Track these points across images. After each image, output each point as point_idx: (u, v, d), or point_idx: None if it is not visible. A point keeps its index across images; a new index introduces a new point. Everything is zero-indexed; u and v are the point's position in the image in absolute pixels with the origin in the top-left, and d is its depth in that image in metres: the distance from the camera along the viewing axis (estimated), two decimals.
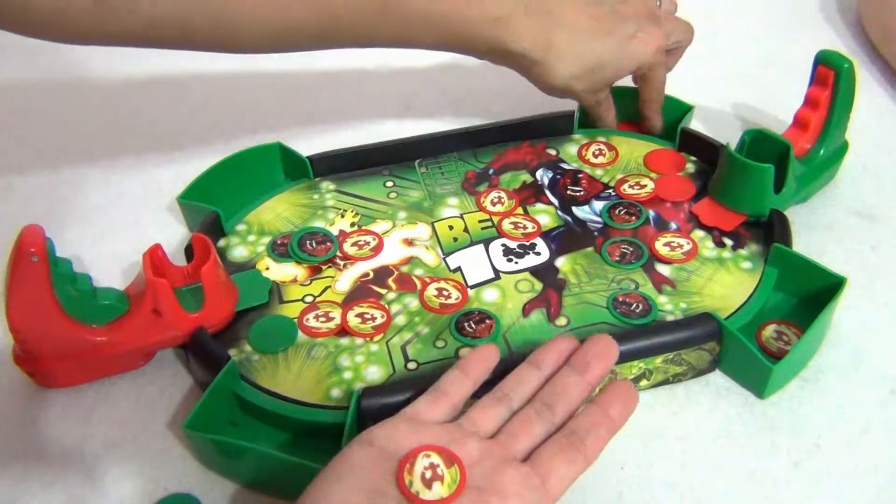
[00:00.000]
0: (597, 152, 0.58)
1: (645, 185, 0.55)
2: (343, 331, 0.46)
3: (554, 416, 0.37)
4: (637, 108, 0.59)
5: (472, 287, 0.48)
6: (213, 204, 0.52)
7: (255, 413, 0.42)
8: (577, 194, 0.55)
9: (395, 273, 0.50)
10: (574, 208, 0.54)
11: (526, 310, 0.47)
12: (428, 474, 0.33)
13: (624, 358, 0.42)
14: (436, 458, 0.34)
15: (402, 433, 0.35)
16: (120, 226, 0.57)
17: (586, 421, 0.37)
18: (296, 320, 0.46)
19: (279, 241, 0.51)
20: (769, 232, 0.50)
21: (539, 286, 0.48)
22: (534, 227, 0.52)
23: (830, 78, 0.52)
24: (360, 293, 0.48)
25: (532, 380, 0.39)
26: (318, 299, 0.48)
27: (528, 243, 0.51)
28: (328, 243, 0.51)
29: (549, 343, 0.41)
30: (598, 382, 0.39)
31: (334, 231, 0.52)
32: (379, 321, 0.46)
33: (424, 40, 0.52)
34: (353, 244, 0.51)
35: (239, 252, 0.51)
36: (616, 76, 0.56)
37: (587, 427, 0.36)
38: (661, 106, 0.59)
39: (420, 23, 0.51)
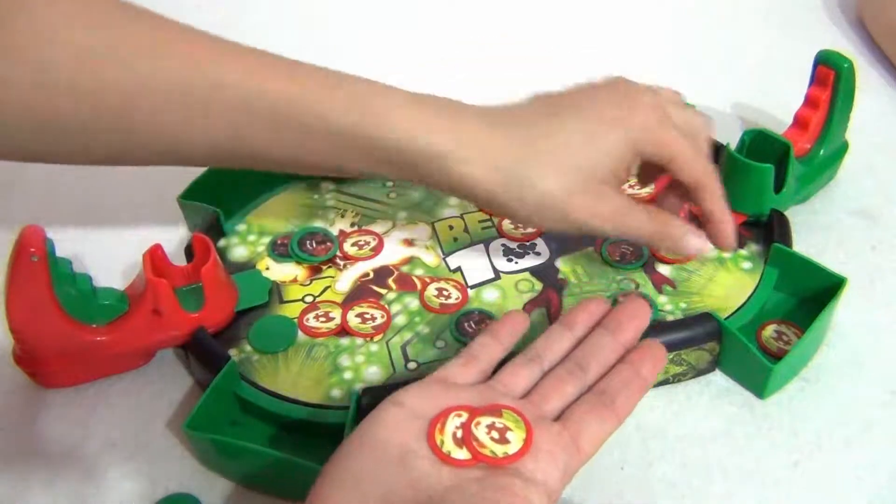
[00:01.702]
0: None
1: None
2: (343, 331, 0.46)
3: (586, 376, 0.37)
4: None
5: (473, 287, 0.48)
6: (213, 204, 0.52)
7: (255, 413, 0.42)
8: None
9: (395, 273, 0.50)
10: None
11: (526, 310, 0.47)
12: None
13: None
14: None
15: (434, 394, 0.35)
16: (120, 226, 0.57)
17: (617, 380, 0.36)
18: (296, 320, 0.46)
19: (279, 241, 0.51)
20: (769, 232, 0.50)
21: (539, 286, 0.48)
22: (534, 227, 0.52)
23: (830, 78, 0.52)
24: (360, 293, 0.48)
25: (564, 340, 0.39)
26: (318, 299, 0.48)
27: (528, 243, 0.51)
28: (328, 243, 0.51)
29: (581, 304, 0.40)
30: (631, 344, 0.38)
31: (334, 231, 0.52)
32: (379, 321, 0.46)
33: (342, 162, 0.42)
34: (354, 244, 0.51)
35: (239, 252, 0.51)
36: (601, 160, 0.41)
37: (618, 386, 0.36)
38: (722, 200, 0.43)
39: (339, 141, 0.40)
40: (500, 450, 0.33)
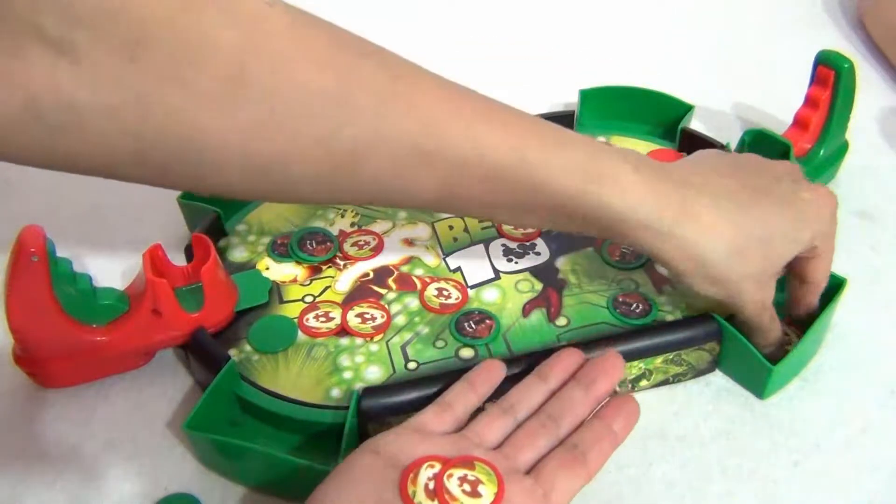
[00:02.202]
0: None
1: None
2: (343, 331, 0.46)
3: (559, 429, 0.37)
4: (643, 108, 0.59)
5: (472, 287, 0.48)
6: (213, 204, 0.52)
7: (255, 413, 0.42)
8: None
9: (395, 273, 0.50)
10: None
11: (526, 310, 0.47)
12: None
13: (624, 358, 0.42)
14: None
15: (408, 442, 0.35)
16: (120, 226, 0.57)
17: (590, 435, 0.37)
18: (296, 320, 0.46)
19: (279, 241, 0.51)
20: None
21: (539, 286, 0.48)
22: (534, 227, 0.52)
23: (830, 78, 0.52)
24: (360, 293, 0.48)
25: (538, 392, 0.39)
26: (318, 299, 0.48)
27: (528, 243, 0.51)
28: (328, 243, 0.51)
29: (556, 356, 0.41)
30: (603, 398, 0.39)
31: (334, 231, 0.52)
32: (379, 321, 0.46)
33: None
34: (353, 244, 0.51)
35: (239, 252, 0.51)
36: (787, 253, 0.41)
37: (590, 441, 0.37)
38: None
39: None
40: (470, 502, 0.33)
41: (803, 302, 0.44)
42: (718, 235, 0.39)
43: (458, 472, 0.34)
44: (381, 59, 0.36)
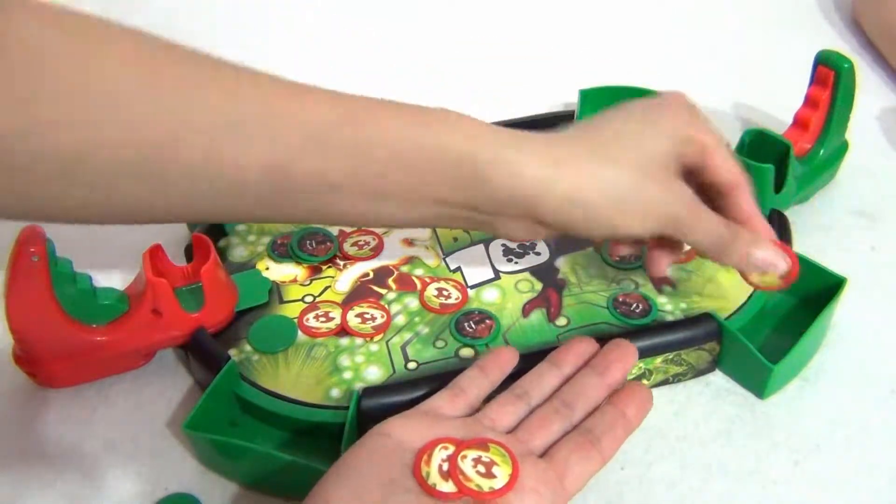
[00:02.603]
0: None
1: None
2: (343, 331, 0.46)
3: (572, 414, 0.37)
4: None
5: (472, 287, 0.48)
6: None
7: (255, 413, 0.42)
8: None
9: (395, 273, 0.50)
10: None
11: (526, 310, 0.47)
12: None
13: None
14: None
15: (420, 426, 0.35)
16: (120, 226, 0.56)
17: (603, 421, 0.37)
18: (296, 320, 0.46)
19: (279, 241, 0.51)
20: None
21: (539, 286, 0.48)
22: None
23: (830, 78, 0.52)
24: (360, 293, 0.48)
25: (552, 378, 0.39)
26: (318, 299, 0.48)
27: (528, 243, 0.51)
28: (328, 243, 0.51)
29: (569, 343, 0.41)
30: (617, 385, 0.39)
31: (334, 231, 0.52)
32: (379, 321, 0.46)
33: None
34: (353, 244, 0.51)
35: (239, 252, 0.51)
36: (658, 145, 0.38)
37: (604, 427, 0.37)
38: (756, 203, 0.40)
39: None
40: (486, 484, 0.33)
41: (743, 214, 0.40)
42: (566, 153, 0.37)
43: (473, 454, 0.34)
44: (185, 52, 0.35)
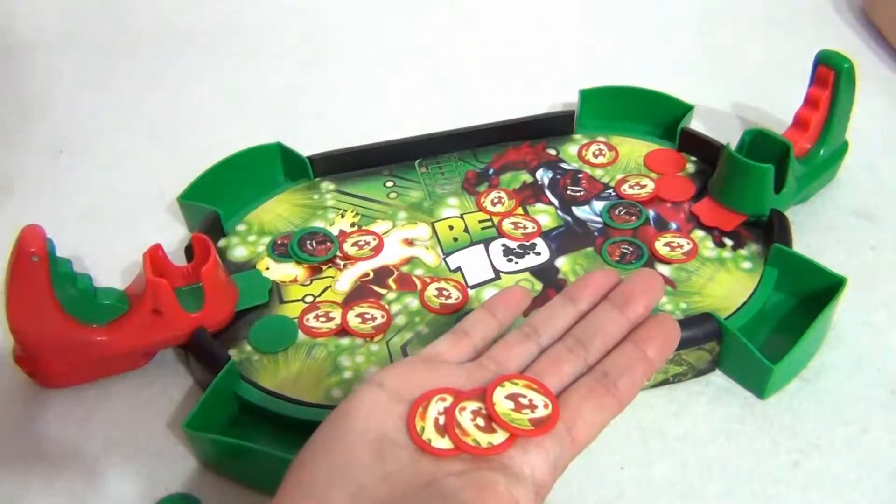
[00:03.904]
0: (597, 152, 0.58)
1: (645, 186, 0.55)
2: (343, 331, 0.46)
3: (587, 354, 0.33)
4: (643, 108, 0.59)
5: (473, 287, 0.48)
6: (213, 204, 0.52)
7: (255, 413, 0.42)
8: (578, 194, 0.55)
9: (396, 273, 0.50)
10: (574, 208, 0.54)
11: (526, 310, 0.47)
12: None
13: None
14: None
15: (417, 374, 0.32)
16: (120, 226, 0.57)
17: (620, 361, 0.33)
18: (296, 320, 0.46)
19: (279, 242, 0.51)
20: (769, 232, 0.50)
21: (539, 286, 0.48)
22: (534, 228, 0.52)
23: (830, 78, 0.52)
24: (360, 293, 0.48)
25: (566, 315, 0.35)
26: (318, 299, 0.48)
27: (528, 243, 0.51)
28: (328, 243, 0.51)
29: (587, 276, 0.37)
30: (639, 320, 0.35)
31: (334, 231, 0.52)
32: (379, 321, 0.46)
33: None
34: (354, 244, 0.51)
35: (239, 252, 0.51)
36: None
37: (621, 368, 0.33)
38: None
39: None
40: (484, 439, 0.30)
41: None
42: None
43: (472, 405, 0.31)
44: None
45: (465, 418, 0.30)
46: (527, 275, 0.49)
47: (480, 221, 0.53)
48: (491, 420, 0.30)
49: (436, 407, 0.31)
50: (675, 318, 0.35)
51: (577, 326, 0.35)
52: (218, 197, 0.53)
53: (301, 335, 0.46)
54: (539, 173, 0.56)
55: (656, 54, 0.72)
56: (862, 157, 0.57)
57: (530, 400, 0.31)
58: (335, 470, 0.29)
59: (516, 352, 0.34)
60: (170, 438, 0.43)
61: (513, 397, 0.31)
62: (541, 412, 0.31)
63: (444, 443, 0.30)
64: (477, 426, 0.30)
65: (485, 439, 0.30)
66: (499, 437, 0.30)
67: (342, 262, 0.50)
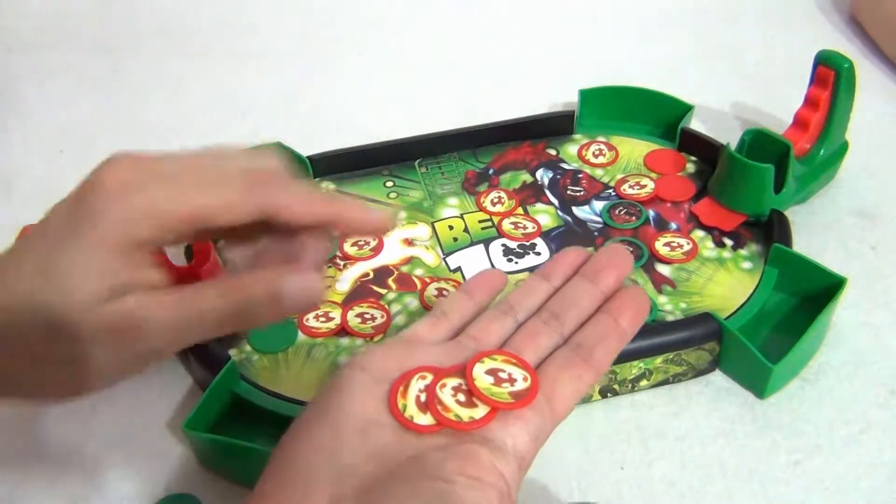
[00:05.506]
0: (597, 152, 0.58)
1: (645, 186, 0.55)
2: (343, 331, 0.46)
3: (562, 326, 0.34)
4: (643, 108, 0.59)
5: None
6: None
7: (255, 413, 0.42)
8: (578, 194, 0.55)
9: (395, 273, 0.50)
10: (574, 208, 0.54)
11: None
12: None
13: (624, 358, 0.42)
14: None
15: (397, 355, 0.33)
16: None
17: (595, 331, 0.34)
18: (296, 320, 0.46)
19: None
20: (769, 232, 0.50)
21: None
22: (534, 228, 0.52)
23: (830, 78, 0.52)
24: (360, 293, 0.48)
25: (540, 291, 0.37)
26: None
27: (528, 243, 0.51)
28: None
29: (559, 255, 0.38)
30: (610, 292, 0.36)
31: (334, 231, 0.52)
32: (379, 321, 0.46)
33: None
34: (353, 244, 0.51)
35: None
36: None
37: (596, 338, 0.34)
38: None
39: None
40: (465, 414, 0.30)
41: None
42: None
43: (452, 382, 0.31)
44: None
45: (446, 394, 0.31)
46: (527, 275, 0.49)
47: (480, 221, 0.53)
48: (471, 395, 0.31)
49: (417, 385, 0.31)
50: (644, 292, 0.37)
51: (551, 300, 0.36)
52: None
53: (301, 335, 0.46)
54: (539, 173, 0.56)
55: (656, 54, 0.72)
56: (862, 157, 0.57)
57: (509, 374, 0.32)
58: (320, 451, 0.30)
59: (493, 328, 0.35)
60: (170, 438, 0.43)
61: (492, 372, 0.32)
62: (520, 385, 0.31)
63: (426, 419, 0.30)
64: (458, 402, 0.31)
65: (466, 414, 0.30)
66: (480, 411, 0.30)
67: (342, 262, 0.50)
